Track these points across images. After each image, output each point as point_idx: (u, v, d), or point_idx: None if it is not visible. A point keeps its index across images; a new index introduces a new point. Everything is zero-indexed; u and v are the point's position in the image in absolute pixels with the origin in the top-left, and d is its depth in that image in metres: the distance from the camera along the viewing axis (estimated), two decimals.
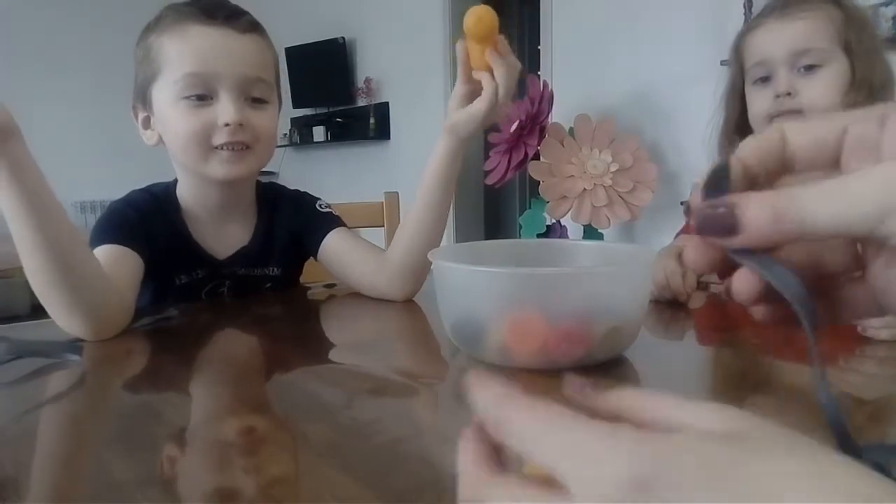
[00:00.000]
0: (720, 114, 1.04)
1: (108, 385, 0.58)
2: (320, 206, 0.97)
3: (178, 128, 0.79)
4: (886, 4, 2.15)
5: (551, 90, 2.90)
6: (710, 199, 0.25)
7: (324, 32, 4.53)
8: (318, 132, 4.68)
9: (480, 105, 0.73)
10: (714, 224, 0.24)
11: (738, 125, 1.00)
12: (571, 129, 2.85)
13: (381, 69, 4.33)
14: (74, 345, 0.61)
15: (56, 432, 0.45)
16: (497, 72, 0.70)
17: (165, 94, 0.80)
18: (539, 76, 3.14)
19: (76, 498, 0.35)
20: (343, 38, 4.51)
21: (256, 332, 0.75)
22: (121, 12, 5.05)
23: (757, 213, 0.23)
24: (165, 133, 0.82)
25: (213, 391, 0.56)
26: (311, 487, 0.35)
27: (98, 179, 4.91)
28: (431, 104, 4.05)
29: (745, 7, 2.48)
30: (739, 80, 0.99)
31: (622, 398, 0.23)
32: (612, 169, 2.73)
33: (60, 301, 0.65)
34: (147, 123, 0.85)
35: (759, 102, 0.95)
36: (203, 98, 0.78)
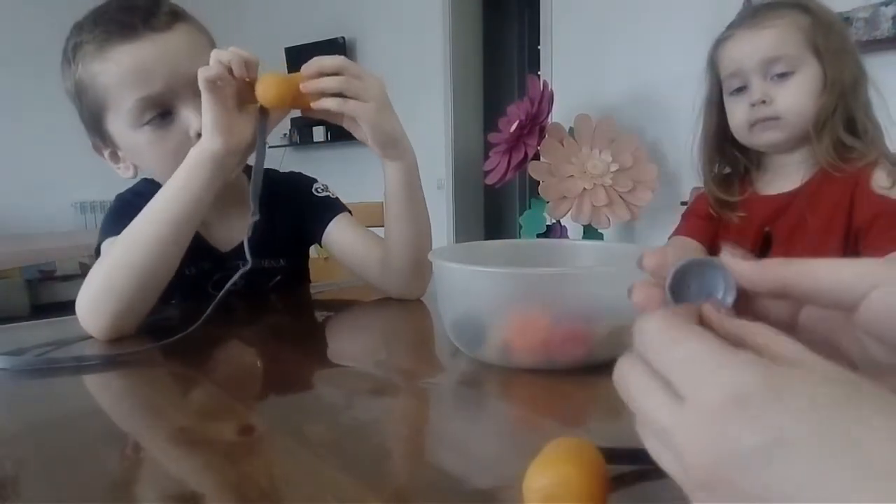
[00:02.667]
0: (699, 124, 1.06)
1: (108, 385, 0.58)
2: (317, 190, 0.95)
3: (153, 153, 0.77)
4: (886, 4, 2.15)
5: (551, 90, 2.90)
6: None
7: (324, 32, 4.53)
8: (318, 132, 4.69)
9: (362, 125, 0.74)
10: (743, 254, 0.28)
11: (718, 134, 1.02)
12: (571, 129, 2.85)
13: (381, 69, 4.31)
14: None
15: (56, 432, 0.45)
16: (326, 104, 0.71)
17: (123, 125, 0.76)
18: (539, 76, 3.14)
19: (76, 498, 0.35)
20: (343, 37, 4.51)
21: (257, 331, 0.75)
22: None
23: (773, 259, 0.27)
24: (141, 162, 0.81)
25: (212, 391, 0.56)
26: (311, 487, 0.35)
27: (98, 179, 4.90)
28: (431, 104, 4.05)
29: (744, 7, 2.48)
30: (716, 89, 1.01)
31: (750, 328, 0.25)
32: (612, 169, 2.72)
33: (117, 299, 0.66)
34: (115, 158, 0.83)
35: (737, 112, 0.96)
36: (165, 115, 0.75)
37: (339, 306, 0.93)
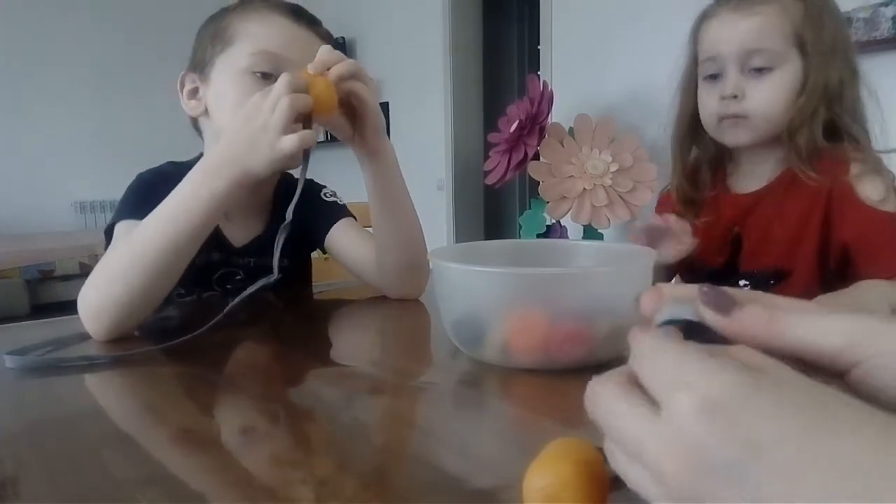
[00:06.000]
0: (673, 107, 0.97)
1: (108, 384, 0.58)
2: (325, 194, 0.97)
3: (238, 100, 0.77)
4: (886, 4, 2.15)
5: (551, 90, 2.90)
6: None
7: None
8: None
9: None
10: (717, 299, 0.27)
11: (692, 123, 0.93)
12: (571, 129, 2.85)
13: (381, 69, 4.33)
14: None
15: (56, 432, 0.45)
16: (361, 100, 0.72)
17: (233, 65, 0.80)
18: (539, 76, 3.13)
19: (76, 498, 0.35)
20: (343, 38, 4.51)
21: (259, 332, 0.75)
22: (123, 13, 5.05)
23: (756, 310, 0.27)
24: (216, 104, 0.82)
25: (212, 391, 0.56)
26: (311, 487, 0.35)
27: (98, 179, 4.91)
28: (431, 104, 4.05)
29: None
30: (694, 68, 0.92)
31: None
32: (612, 169, 2.72)
33: (120, 305, 0.65)
34: (193, 94, 0.85)
35: (708, 102, 0.88)
36: (268, 77, 0.78)
37: (340, 306, 0.93)
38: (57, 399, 0.53)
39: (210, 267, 0.87)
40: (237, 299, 0.66)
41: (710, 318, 0.27)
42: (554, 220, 2.90)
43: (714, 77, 0.87)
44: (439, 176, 4.04)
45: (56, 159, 4.84)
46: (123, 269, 0.66)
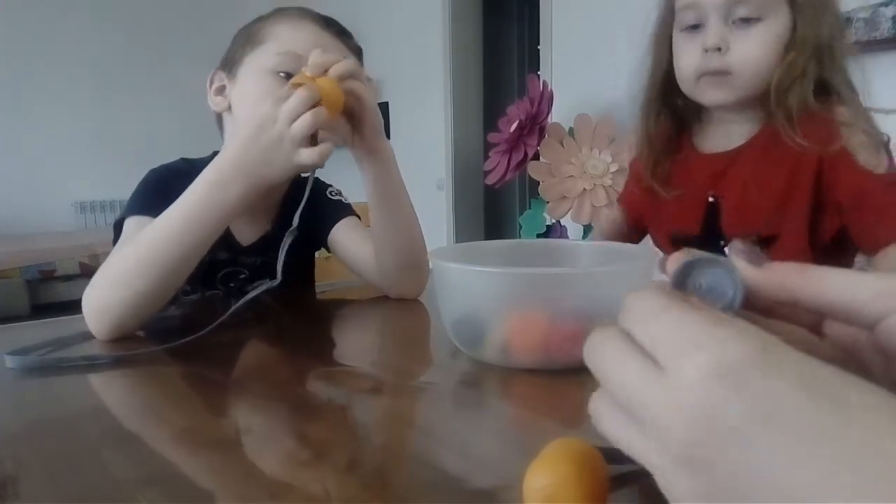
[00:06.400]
0: (644, 64, 0.90)
1: (109, 385, 0.58)
2: (331, 193, 0.97)
3: (259, 98, 0.75)
4: (886, 4, 2.15)
5: (551, 90, 2.90)
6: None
7: None
8: None
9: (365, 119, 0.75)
10: (751, 252, 0.27)
11: (665, 81, 0.87)
12: (571, 129, 2.85)
13: (381, 69, 4.33)
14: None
15: (56, 432, 0.45)
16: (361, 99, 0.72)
17: (259, 64, 0.81)
18: (539, 76, 3.14)
19: (76, 498, 0.35)
20: None
21: (259, 332, 0.75)
22: (123, 13, 5.05)
23: (786, 263, 0.27)
24: (239, 102, 0.83)
25: (213, 391, 0.56)
26: (311, 487, 0.35)
27: (98, 179, 4.91)
28: (431, 104, 4.05)
29: None
30: (669, 23, 0.85)
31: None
32: (612, 169, 2.72)
33: (125, 307, 0.65)
34: (220, 91, 0.86)
35: (686, 56, 0.81)
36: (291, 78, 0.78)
37: (341, 306, 0.93)
38: (57, 399, 0.53)
39: (216, 265, 0.87)
40: (240, 302, 0.66)
41: (743, 267, 0.27)
42: (554, 220, 2.90)
43: (694, 28, 0.80)
44: (439, 176, 4.04)
45: (56, 159, 4.84)
46: (129, 271, 0.66)
